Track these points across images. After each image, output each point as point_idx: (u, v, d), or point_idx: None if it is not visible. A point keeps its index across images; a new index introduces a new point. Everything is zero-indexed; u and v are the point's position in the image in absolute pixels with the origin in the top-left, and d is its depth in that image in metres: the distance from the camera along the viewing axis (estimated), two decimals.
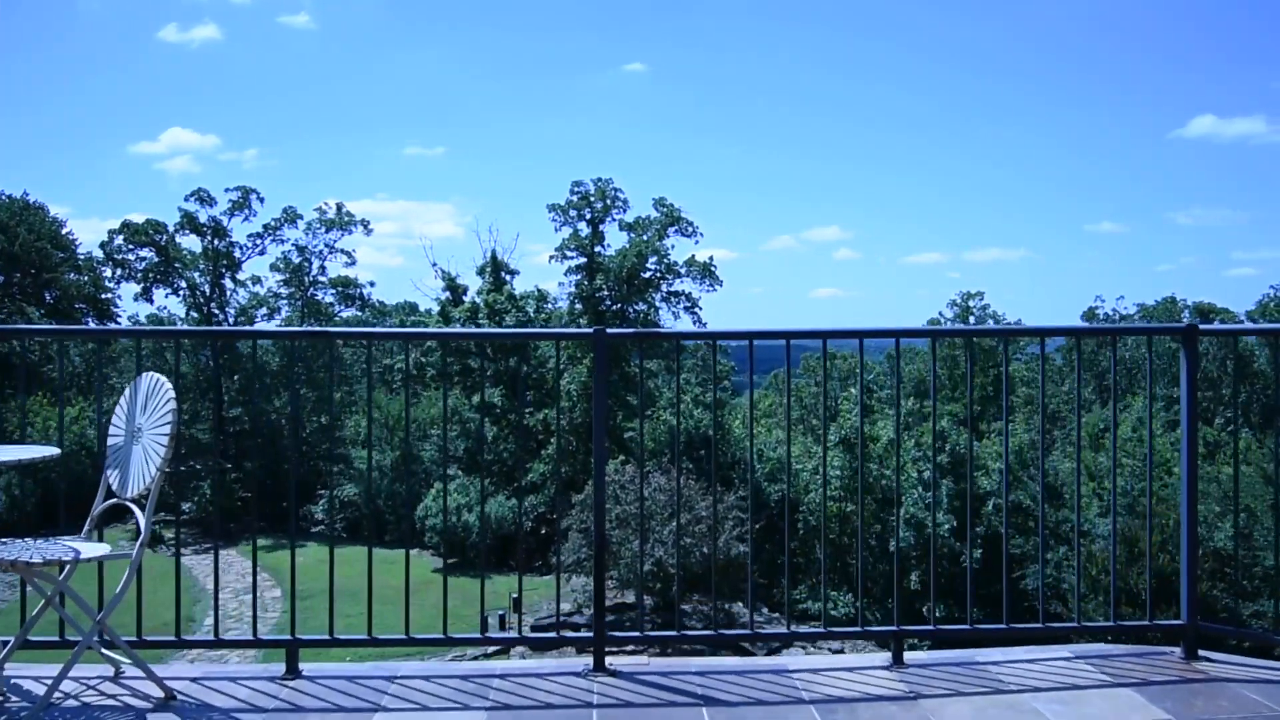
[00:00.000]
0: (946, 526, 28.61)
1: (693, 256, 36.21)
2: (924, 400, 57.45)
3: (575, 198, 37.16)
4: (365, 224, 42.80)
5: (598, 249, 36.86)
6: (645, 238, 35.91)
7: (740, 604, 29.37)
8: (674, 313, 36.54)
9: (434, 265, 43.93)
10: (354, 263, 42.80)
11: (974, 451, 30.02)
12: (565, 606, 29.02)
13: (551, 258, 36.52)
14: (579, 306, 37.00)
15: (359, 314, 45.57)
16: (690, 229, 35.90)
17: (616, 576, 27.07)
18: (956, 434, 30.57)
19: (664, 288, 36.33)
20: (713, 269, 35.85)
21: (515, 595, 27.66)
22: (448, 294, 42.05)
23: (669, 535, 25.88)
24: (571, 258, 36.81)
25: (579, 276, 36.87)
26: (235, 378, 41.59)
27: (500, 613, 26.55)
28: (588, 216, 36.89)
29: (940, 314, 52.96)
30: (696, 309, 36.46)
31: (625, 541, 26.39)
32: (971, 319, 52.03)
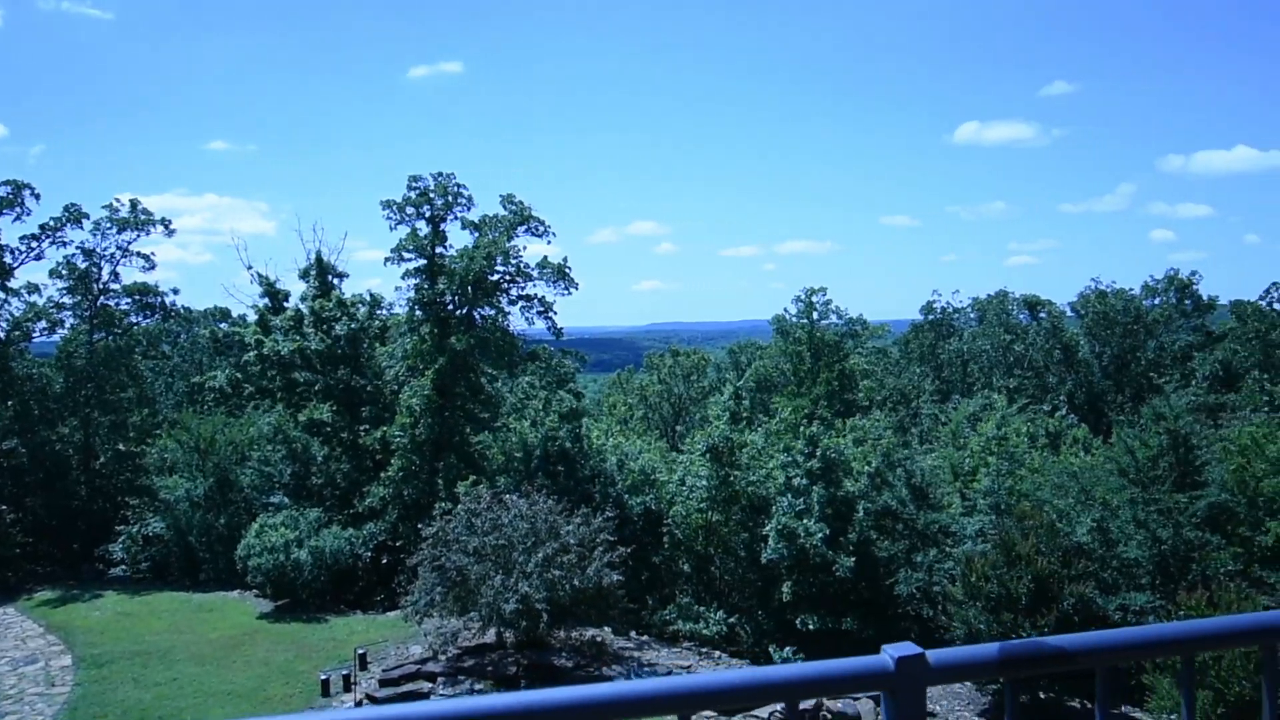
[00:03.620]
0: (819, 535, 27.58)
1: (545, 258, 33.75)
2: (769, 395, 57.41)
3: (413, 194, 33.89)
4: (166, 223, 37.76)
5: (439, 249, 33.75)
6: (492, 237, 33.11)
7: (609, 630, 27.37)
8: (527, 318, 33.99)
9: (249, 268, 39.31)
10: (153, 266, 37.67)
11: (843, 457, 29.05)
12: (417, 650, 26.09)
13: (388, 259, 33.17)
14: (419, 313, 33.76)
15: (160, 323, 40.28)
16: (541, 228, 33.39)
17: (477, 615, 24.39)
18: (828, 438, 29.62)
19: (514, 291, 33.68)
20: (567, 270, 33.51)
21: (361, 650, 24.47)
22: (267, 300, 37.71)
23: (534, 567, 23.44)
24: (410, 259, 33.53)
25: (419, 279, 33.64)
26: (10, 403, 35.71)
27: (344, 670, 23.33)
28: (427, 214, 33.70)
29: (785, 310, 52.92)
30: (551, 313, 34.03)
31: (486, 577, 23.74)
32: (814, 314, 52.19)
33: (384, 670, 24.30)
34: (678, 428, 53.27)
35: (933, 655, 1.62)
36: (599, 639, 26.51)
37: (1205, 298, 48.51)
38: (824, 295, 50.50)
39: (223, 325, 48.96)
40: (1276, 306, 46.86)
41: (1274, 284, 46.83)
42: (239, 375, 36.84)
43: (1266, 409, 37.73)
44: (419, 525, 26.61)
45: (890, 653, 1.61)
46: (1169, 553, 26.80)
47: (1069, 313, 49.85)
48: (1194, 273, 47.83)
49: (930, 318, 52.93)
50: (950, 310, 53.15)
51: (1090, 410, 46.88)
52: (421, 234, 33.17)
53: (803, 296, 50.45)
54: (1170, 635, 1.89)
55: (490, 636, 25.71)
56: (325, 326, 34.53)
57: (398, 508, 32.57)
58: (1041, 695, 24.31)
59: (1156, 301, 48.48)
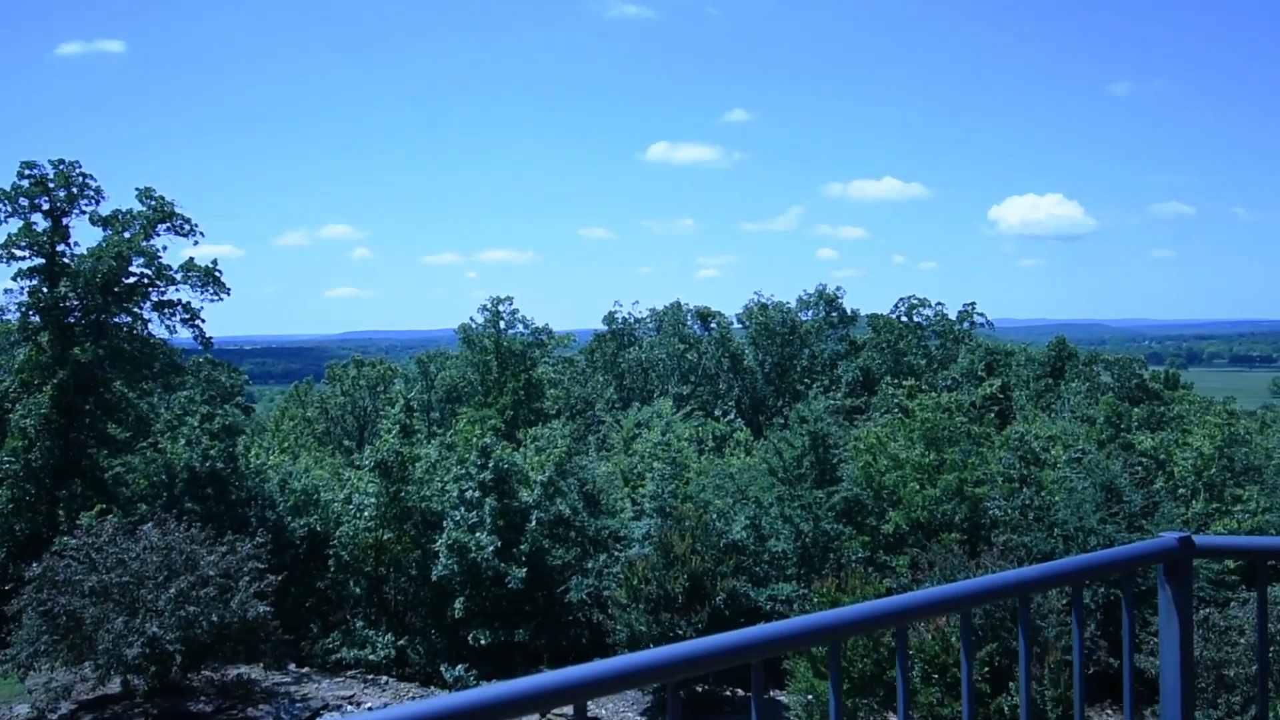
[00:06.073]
0: (491, 548, 27.21)
1: (191, 259, 30.57)
2: (458, 405, 56.49)
3: (27, 183, 29.40)
4: None
5: (61, 247, 29.52)
6: (127, 235, 29.48)
7: (261, 667, 25.19)
8: (168, 325, 30.56)
9: None
10: None
11: (517, 467, 28.94)
12: (23, 710, 22.52)
13: None
14: (36, 319, 29.32)
15: None
16: (187, 227, 30.20)
17: (95, 663, 21.47)
18: (500, 449, 29.33)
19: (154, 296, 30.18)
20: (217, 274, 30.55)
21: None
22: None
23: (165, 604, 21.01)
24: (23, 257, 29.03)
25: (35, 281, 29.19)
26: None
27: None
28: (45, 207, 29.35)
29: (471, 319, 52.35)
30: (198, 320, 30.85)
31: (104, 620, 20.95)
32: (501, 323, 52.10)
33: None
34: (346, 443, 50.87)
35: None
36: (247, 677, 24.35)
37: (849, 310, 54.29)
38: (511, 304, 50.56)
39: None
40: (904, 319, 53.43)
41: (901, 299, 53.46)
42: None
43: (896, 411, 42.55)
44: (28, 568, 23.03)
45: None
46: (810, 544, 29.25)
47: (736, 324, 53.64)
48: (838, 288, 53.56)
49: (612, 327, 54.72)
50: (631, 320, 55.31)
51: (755, 414, 50.62)
52: (39, 229, 28.86)
53: (489, 305, 50.18)
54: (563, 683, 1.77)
55: (116, 686, 22.78)
56: None
57: (7, 545, 28.05)
58: (699, 689, 25.55)
59: (809, 314, 53.50)
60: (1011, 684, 21.30)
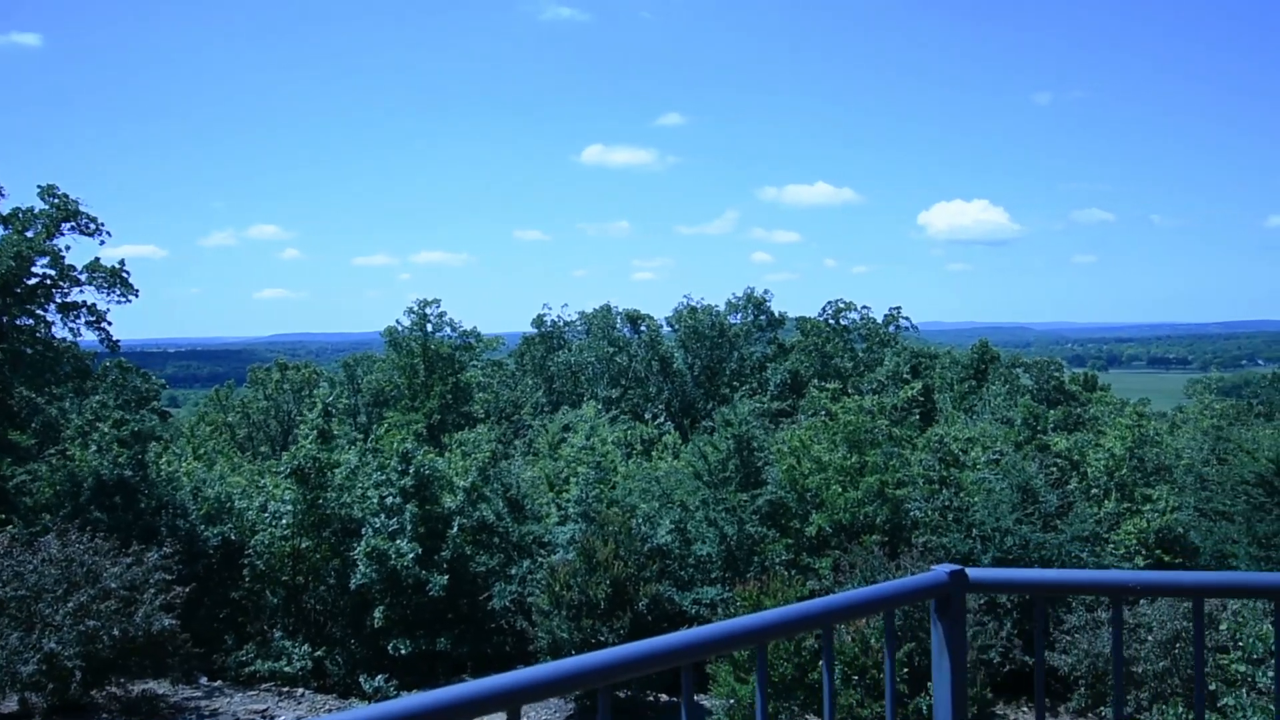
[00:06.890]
0: (411, 556, 26.71)
1: (97, 260, 29.41)
2: (382, 409, 55.52)
3: None
4: None
5: None
6: (29, 235, 28.26)
7: (169, 681, 24.30)
8: (73, 328, 29.34)
9: None
10: None
11: (439, 472, 28.49)
12: None
13: None
14: None
15: None
16: (92, 226, 29.02)
17: None
18: (421, 454, 28.84)
19: (58, 297, 28.97)
20: (124, 274, 29.45)
21: None
22: None
23: (63, 619, 20.17)
24: None
25: None
26: None
27: None
28: None
29: (398, 321, 51.48)
30: (104, 323, 29.69)
31: (0, 635, 20.04)
32: (429, 326, 51.34)
33: None
34: (263, 449, 49.59)
35: None
36: (153, 693, 23.50)
37: (777, 314, 54.75)
38: (438, 307, 49.85)
39: None
40: (831, 322, 54.08)
41: (829, 302, 54.13)
42: None
43: (823, 414, 42.97)
44: None
45: None
46: (735, 547, 29.35)
47: (666, 327, 53.69)
48: (766, 291, 53.93)
49: (541, 330, 54.35)
50: (560, 323, 54.95)
51: (685, 417, 50.73)
52: None
53: (415, 308, 49.40)
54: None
55: (13, 704, 21.77)
56: None
57: None
58: (623, 695, 25.41)
59: (738, 317, 53.81)
60: (929, 684, 21.53)
